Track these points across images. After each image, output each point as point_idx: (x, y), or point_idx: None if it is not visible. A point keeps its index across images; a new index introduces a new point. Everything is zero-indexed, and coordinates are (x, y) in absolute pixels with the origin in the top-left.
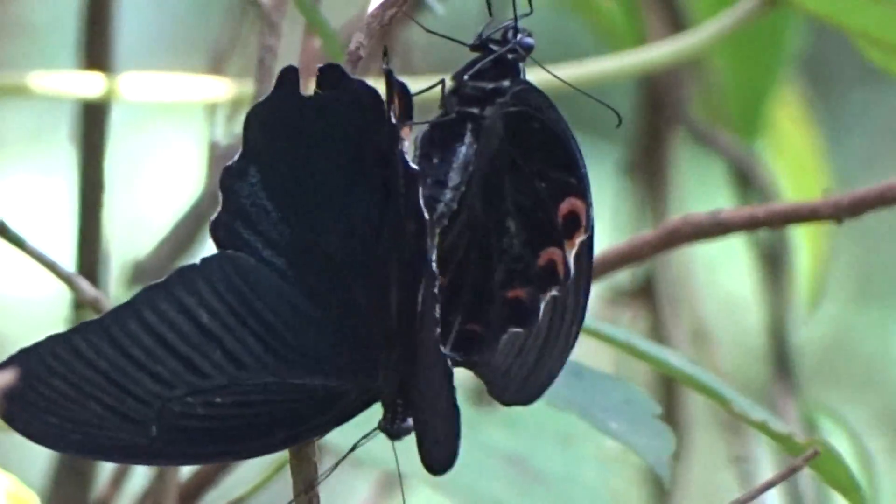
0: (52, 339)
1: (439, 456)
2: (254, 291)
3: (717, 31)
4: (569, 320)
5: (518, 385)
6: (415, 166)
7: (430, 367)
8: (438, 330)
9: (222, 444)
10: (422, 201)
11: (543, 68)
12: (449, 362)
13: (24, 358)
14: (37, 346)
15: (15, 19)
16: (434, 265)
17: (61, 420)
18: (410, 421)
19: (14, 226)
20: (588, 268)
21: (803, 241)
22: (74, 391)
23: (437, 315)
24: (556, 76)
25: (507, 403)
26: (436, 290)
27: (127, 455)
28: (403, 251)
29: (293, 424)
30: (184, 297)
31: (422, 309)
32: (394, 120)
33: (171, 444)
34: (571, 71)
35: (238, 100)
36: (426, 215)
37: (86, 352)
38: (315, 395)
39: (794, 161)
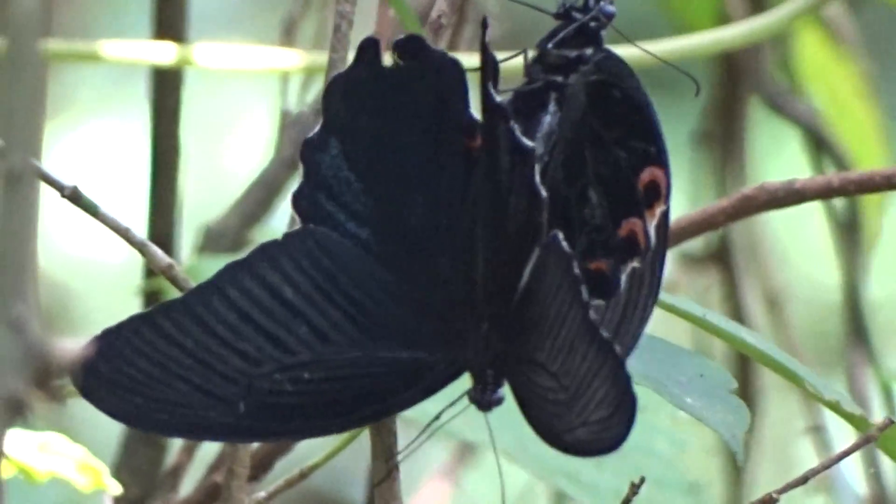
0: (136, 319)
1: (607, 435)
2: (338, 265)
3: (794, 11)
4: (645, 293)
5: None
6: (529, 143)
7: (584, 347)
8: (592, 311)
9: (311, 419)
10: (538, 178)
11: (623, 36)
12: (615, 346)
13: (108, 338)
14: (120, 327)
15: None
16: (567, 246)
17: (147, 400)
18: (501, 392)
19: (88, 192)
20: (664, 239)
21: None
22: (160, 371)
23: (587, 297)
24: (635, 44)
25: None
26: (577, 271)
27: (215, 433)
28: (502, 224)
29: (381, 398)
30: (267, 274)
31: (570, 291)
32: (498, 98)
33: (260, 420)
34: (651, 48)
35: (311, 68)
36: (543, 193)
37: (171, 331)
38: (402, 369)
39: (858, 134)
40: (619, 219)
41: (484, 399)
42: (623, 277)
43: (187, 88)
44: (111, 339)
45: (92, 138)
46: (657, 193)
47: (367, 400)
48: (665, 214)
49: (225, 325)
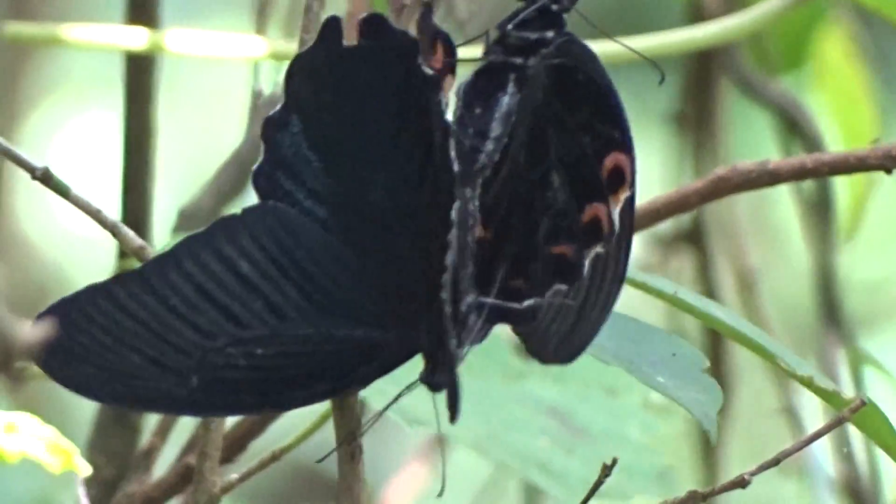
0: (92, 289)
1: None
2: (295, 242)
3: (769, 10)
4: (609, 278)
5: (557, 344)
6: (448, 118)
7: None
8: (470, 269)
9: (263, 394)
10: (452, 154)
11: (588, 21)
12: (447, 309)
13: (64, 308)
14: (77, 296)
15: None
16: (474, 214)
17: (101, 370)
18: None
19: (61, 173)
20: (630, 225)
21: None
22: (114, 341)
23: (469, 265)
24: (598, 27)
25: (545, 362)
26: (470, 239)
27: (167, 405)
28: (441, 203)
29: (335, 376)
30: (225, 247)
31: (440, 258)
32: (430, 70)
33: (212, 394)
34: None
35: (284, 50)
36: (454, 168)
37: (126, 302)
38: (356, 346)
39: (844, 94)
40: (582, 204)
41: (434, 380)
42: (587, 263)
43: (162, 70)
44: (67, 309)
45: (72, 120)
46: (622, 179)
47: (321, 377)
48: (630, 200)
49: (180, 297)
